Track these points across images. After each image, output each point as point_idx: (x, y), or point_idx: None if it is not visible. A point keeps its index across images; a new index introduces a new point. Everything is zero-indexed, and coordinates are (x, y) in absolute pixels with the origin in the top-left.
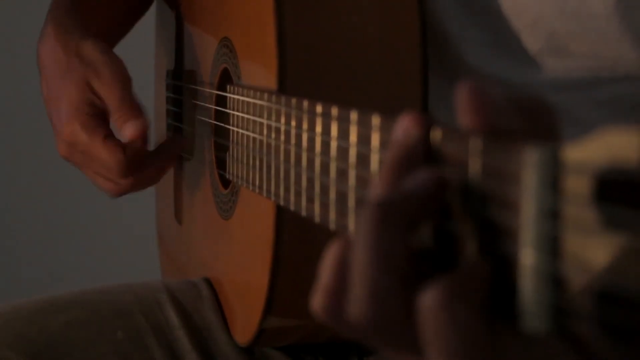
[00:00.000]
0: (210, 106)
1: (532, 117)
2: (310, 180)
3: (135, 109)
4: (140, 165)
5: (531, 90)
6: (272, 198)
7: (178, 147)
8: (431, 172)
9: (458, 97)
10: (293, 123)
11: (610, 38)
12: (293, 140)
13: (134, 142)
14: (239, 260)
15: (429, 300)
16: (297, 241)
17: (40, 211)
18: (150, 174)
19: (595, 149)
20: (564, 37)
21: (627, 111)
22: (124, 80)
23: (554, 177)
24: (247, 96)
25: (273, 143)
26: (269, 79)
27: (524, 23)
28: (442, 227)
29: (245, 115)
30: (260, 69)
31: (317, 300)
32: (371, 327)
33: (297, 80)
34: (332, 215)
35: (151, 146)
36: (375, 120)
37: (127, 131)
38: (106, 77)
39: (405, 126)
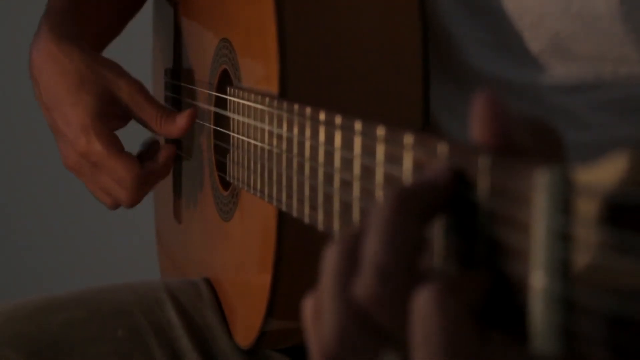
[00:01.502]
0: (210, 107)
1: (540, 137)
2: (314, 189)
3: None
4: (152, 180)
5: (533, 91)
6: (274, 203)
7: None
8: (447, 164)
9: (473, 106)
10: (295, 130)
11: (613, 39)
12: (295, 148)
13: (168, 148)
14: (240, 262)
15: (422, 295)
16: (299, 243)
17: (40, 211)
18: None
19: (607, 172)
20: (567, 38)
21: (629, 113)
22: (146, 91)
23: (565, 199)
24: (248, 100)
25: (275, 149)
26: (270, 82)
27: (526, 23)
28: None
29: (246, 120)
30: (261, 72)
31: (324, 281)
32: (373, 305)
33: (298, 84)
34: (337, 225)
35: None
36: (380, 131)
37: (180, 122)
38: (126, 88)
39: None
